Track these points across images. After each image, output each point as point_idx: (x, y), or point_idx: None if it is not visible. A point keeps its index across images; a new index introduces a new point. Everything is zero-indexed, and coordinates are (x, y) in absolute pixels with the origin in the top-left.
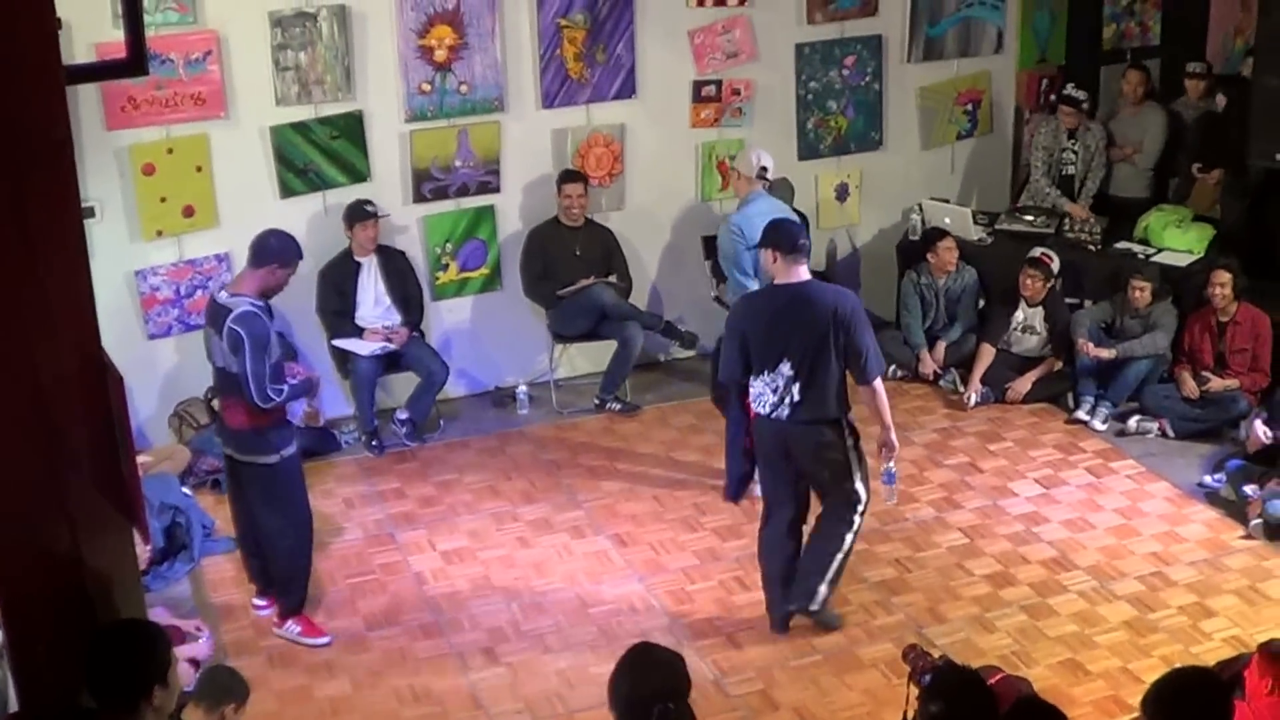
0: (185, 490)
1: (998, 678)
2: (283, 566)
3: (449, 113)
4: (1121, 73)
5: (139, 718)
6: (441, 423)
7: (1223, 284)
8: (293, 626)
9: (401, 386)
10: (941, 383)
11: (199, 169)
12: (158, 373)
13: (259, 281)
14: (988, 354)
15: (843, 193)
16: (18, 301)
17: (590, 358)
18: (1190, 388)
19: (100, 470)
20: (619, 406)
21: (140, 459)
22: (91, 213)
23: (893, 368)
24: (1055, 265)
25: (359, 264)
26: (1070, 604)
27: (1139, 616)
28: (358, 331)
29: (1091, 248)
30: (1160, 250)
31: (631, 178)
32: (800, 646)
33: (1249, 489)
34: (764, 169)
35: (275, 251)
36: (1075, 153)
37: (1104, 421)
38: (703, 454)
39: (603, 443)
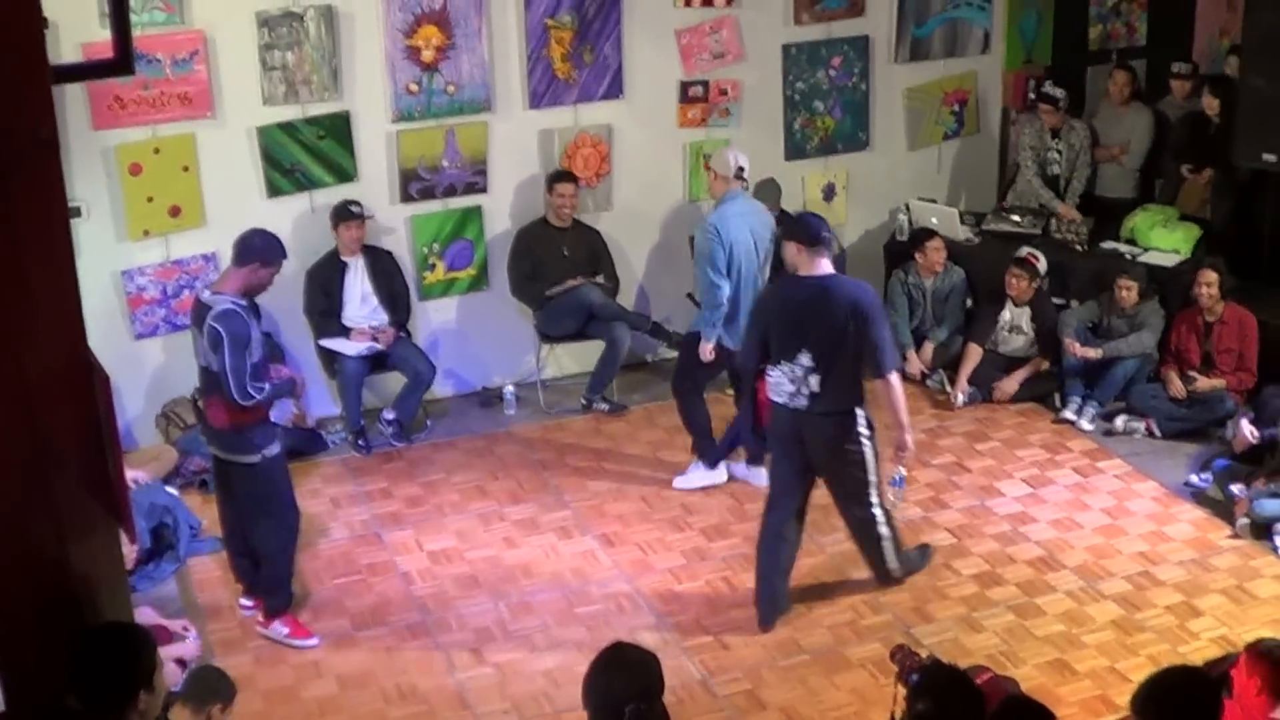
0: (171, 490)
1: (985, 677)
2: (268, 566)
3: (436, 113)
4: (1108, 73)
5: None
6: (428, 423)
7: (1209, 284)
8: (280, 627)
9: (388, 386)
10: (929, 383)
11: (186, 169)
12: (144, 373)
13: (241, 280)
14: (975, 354)
15: (829, 193)
16: (4, 302)
17: (577, 358)
18: (1177, 387)
19: (87, 470)
20: (606, 407)
21: (129, 474)
22: (78, 212)
23: None
24: (1042, 265)
25: (345, 264)
26: (1057, 604)
27: (1126, 616)
28: (344, 331)
29: (1078, 248)
30: (1147, 250)
31: (619, 178)
32: (788, 646)
33: (1236, 488)
34: (741, 169)
35: (257, 250)
36: (1059, 152)
37: (1091, 421)
38: (690, 454)
39: (590, 443)
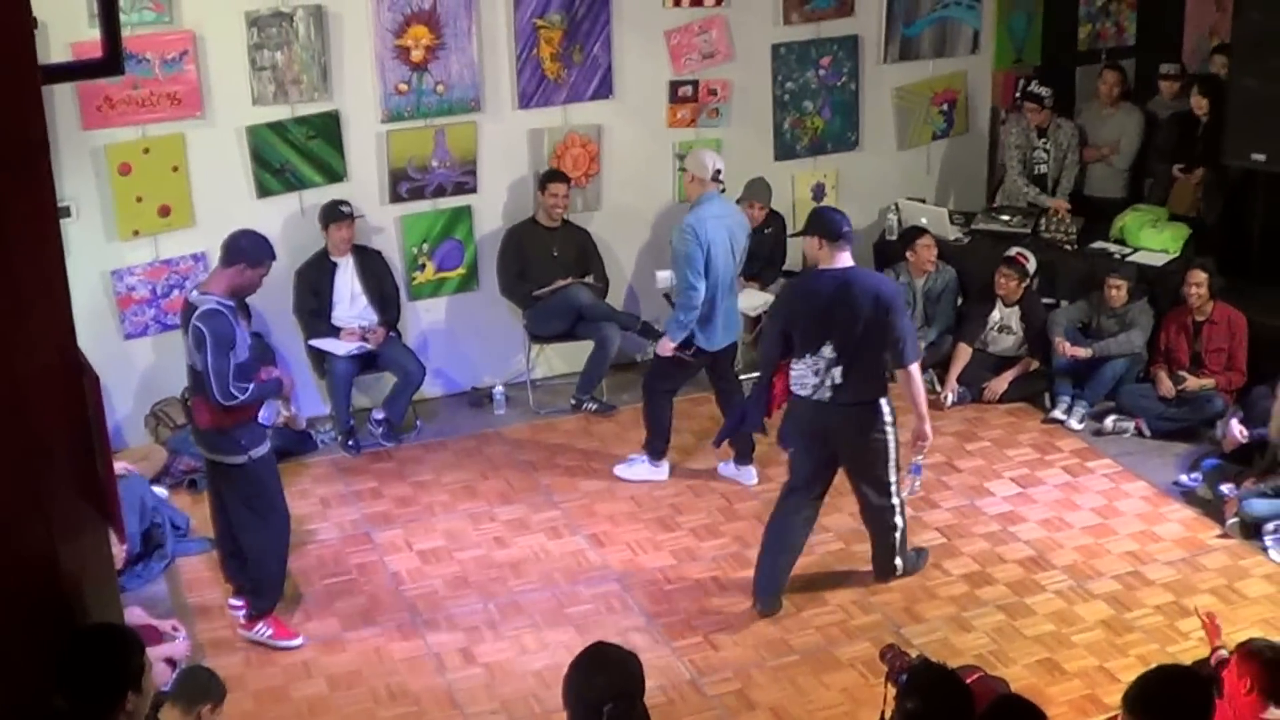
0: (160, 490)
1: (975, 677)
2: (255, 568)
3: (426, 113)
4: (1097, 73)
5: None
6: (418, 423)
7: (1198, 284)
8: (264, 629)
9: (378, 386)
10: None
11: (175, 169)
12: (134, 373)
13: (228, 281)
14: (964, 354)
15: (819, 193)
16: None
17: (567, 358)
18: (1166, 387)
19: (76, 470)
20: (595, 407)
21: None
22: (68, 212)
23: None
24: (1031, 265)
25: (335, 264)
26: (1047, 603)
27: (1116, 616)
28: (334, 331)
29: (1068, 247)
30: (1136, 250)
31: (608, 178)
32: (778, 646)
33: (1225, 488)
34: (718, 171)
35: (244, 251)
36: (1047, 151)
37: (1080, 421)
38: (679, 454)
39: (579, 443)
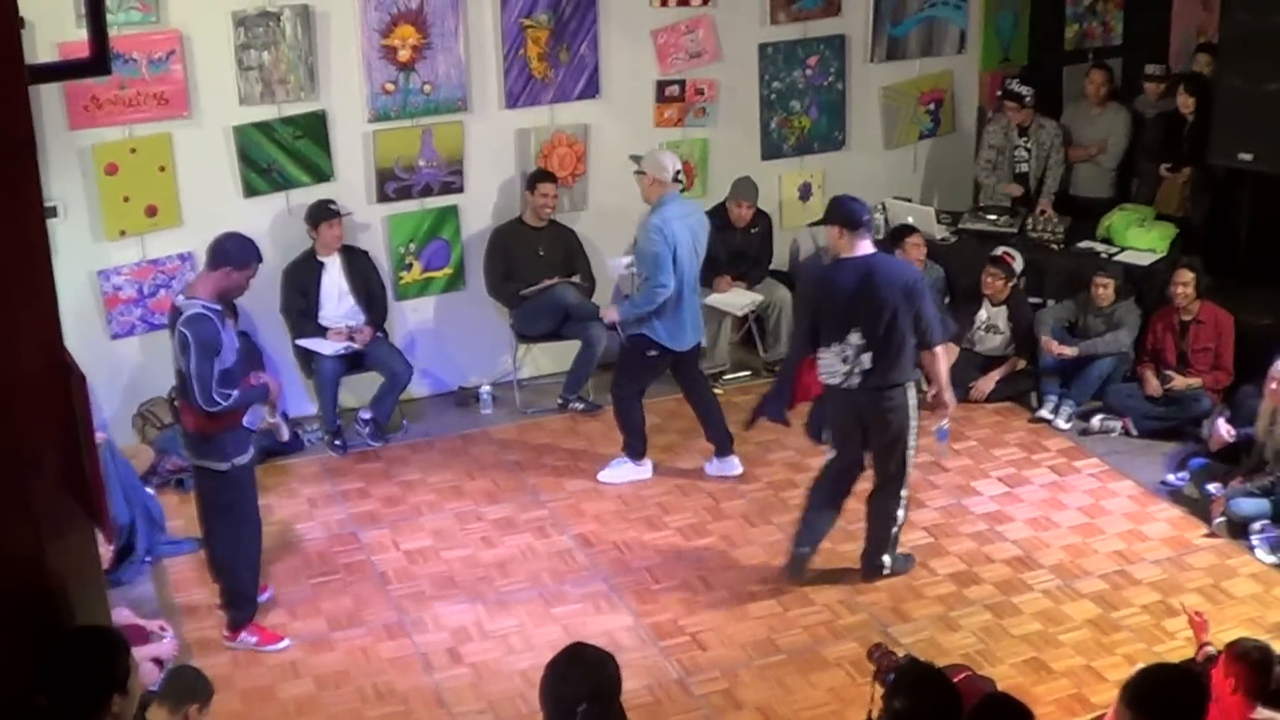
0: (148, 490)
1: (962, 676)
2: (226, 577)
3: (412, 112)
4: (1084, 73)
5: None
6: (405, 422)
7: (1185, 283)
8: (248, 637)
9: (365, 386)
10: None
11: (162, 169)
12: (121, 372)
13: (214, 284)
14: (951, 353)
15: (806, 192)
16: None
17: (553, 358)
18: (1153, 386)
19: (63, 470)
20: (582, 406)
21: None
22: (54, 212)
23: None
24: (1018, 264)
25: (322, 264)
26: (1034, 602)
27: (1103, 615)
28: (321, 331)
29: (1054, 247)
30: (1123, 249)
31: (595, 178)
32: (764, 646)
33: (1212, 487)
34: (678, 171)
35: (230, 254)
36: (1028, 150)
37: (1067, 420)
38: (666, 453)
39: (566, 442)
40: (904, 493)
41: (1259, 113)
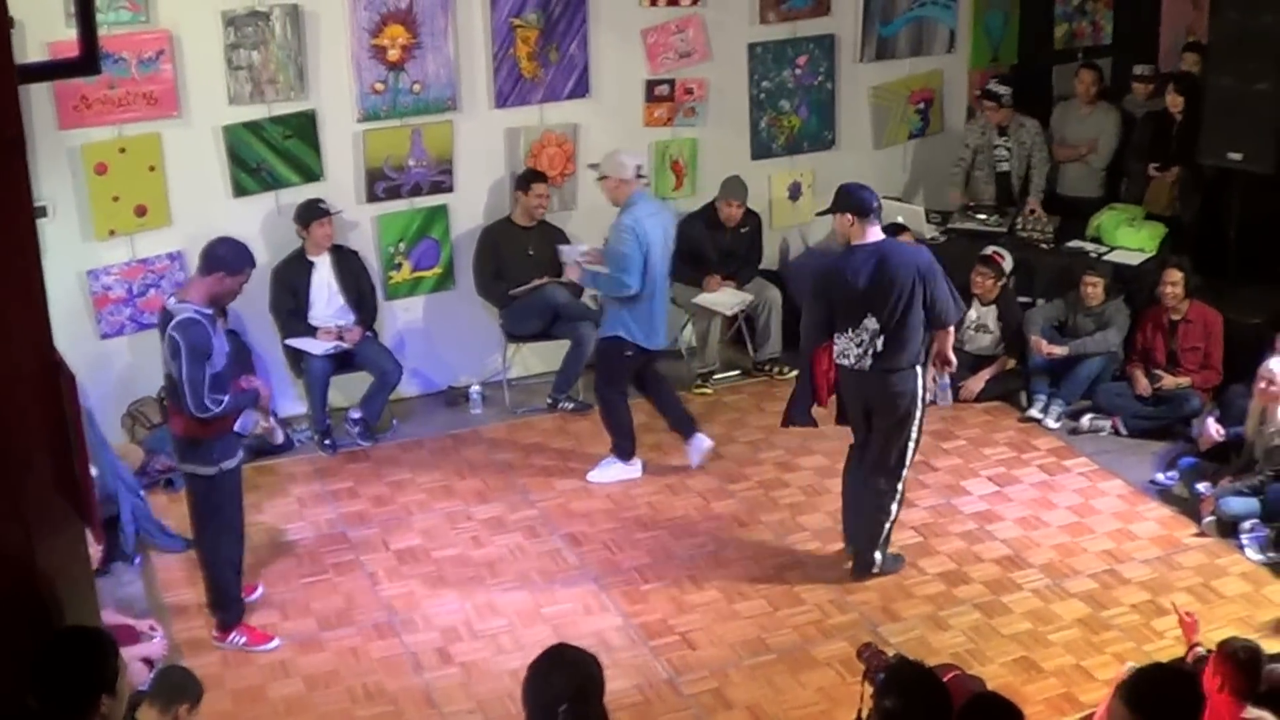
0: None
1: (951, 675)
2: (210, 579)
3: (402, 112)
4: (1074, 72)
5: None
6: (394, 422)
7: (1174, 283)
8: (237, 638)
9: (354, 386)
10: None
11: (152, 168)
12: (111, 372)
13: (206, 289)
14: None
15: (795, 192)
16: None
17: (543, 357)
18: (1143, 386)
19: (53, 470)
20: (572, 406)
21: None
22: (44, 212)
23: None
24: (1007, 264)
25: (312, 263)
26: (1024, 602)
27: (1092, 614)
28: (311, 331)
29: (1044, 246)
30: (1113, 249)
31: (584, 177)
32: (754, 646)
33: (1202, 486)
34: (639, 167)
35: (223, 260)
36: (1009, 149)
37: (1057, 419)
38: (655, 452)
39: (556, 442)
40: (899, 486)
41: (1249, 112)
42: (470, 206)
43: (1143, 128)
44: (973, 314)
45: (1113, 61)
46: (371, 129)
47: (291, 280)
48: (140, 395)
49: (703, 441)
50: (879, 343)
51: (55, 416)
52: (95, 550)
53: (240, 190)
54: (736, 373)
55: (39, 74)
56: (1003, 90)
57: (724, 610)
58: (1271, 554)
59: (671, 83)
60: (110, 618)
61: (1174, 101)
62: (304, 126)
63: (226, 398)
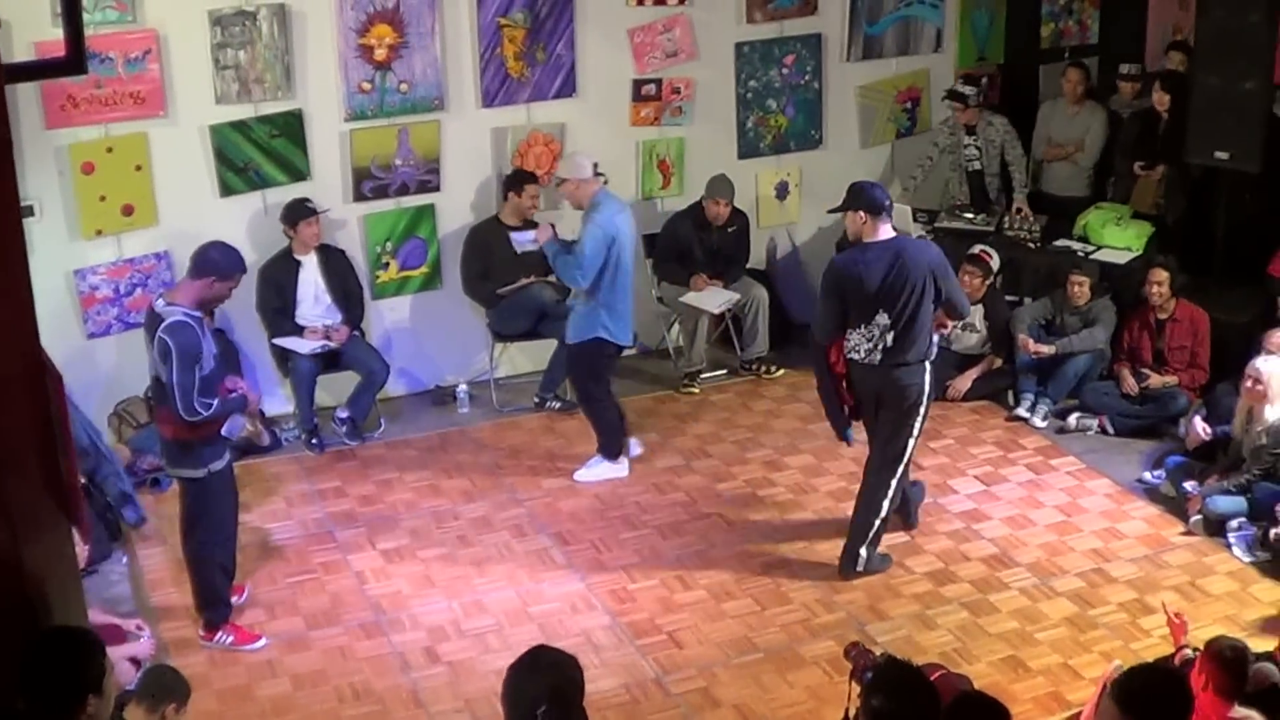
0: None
1: (938, 674)
2: (196, 579)
3: (389, 112)
4: (1061, 71)
5: None
6: (382, 421)
7: (1160, 282)
8: (224, 637)
9: (342, 385)
10: None
11: (138, 168)
12: (97, 372)
13: (196, 293)
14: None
15: (783, 191)
16: None
17: (530, 356)
18: (1130, 385)
19: (40, 471)
20: (559, 405)
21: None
22: (30, 211)
23: None
24: (995, 263)
25: (299, 262)
26: (1011, 601)
27: (1079, 613)
28: (298, 330)
29: (1031, 245)
30: (1100, 248)
31: None
32: (742, 645)
33: (1189, 485)
34: (595, 164)
35: (215, 264)
36: (978, 148)
37: (1044, 418)
38: (642, 451)
39: (543, 441)
40: (893, 483)
41: (1235, 111)
42: (457, 206)
43: (1129, 127)
44: None
45: (1099, 61)
46: (358, 128)
47: (278, 279)
48: (127, 395)
49: (632, 445)
50: (889, 338)
51: (42, 417)
52: (82, 550)
53: (227, 190)
54: (723, 372)
55: (26, 73)
56: (969, 90)
57: (711, 609)
58: (1258, 553)
59: (658, 82)
60: (97, 617)
61: (1160, 100)
62: (291, 126)
63: (215, 402)
